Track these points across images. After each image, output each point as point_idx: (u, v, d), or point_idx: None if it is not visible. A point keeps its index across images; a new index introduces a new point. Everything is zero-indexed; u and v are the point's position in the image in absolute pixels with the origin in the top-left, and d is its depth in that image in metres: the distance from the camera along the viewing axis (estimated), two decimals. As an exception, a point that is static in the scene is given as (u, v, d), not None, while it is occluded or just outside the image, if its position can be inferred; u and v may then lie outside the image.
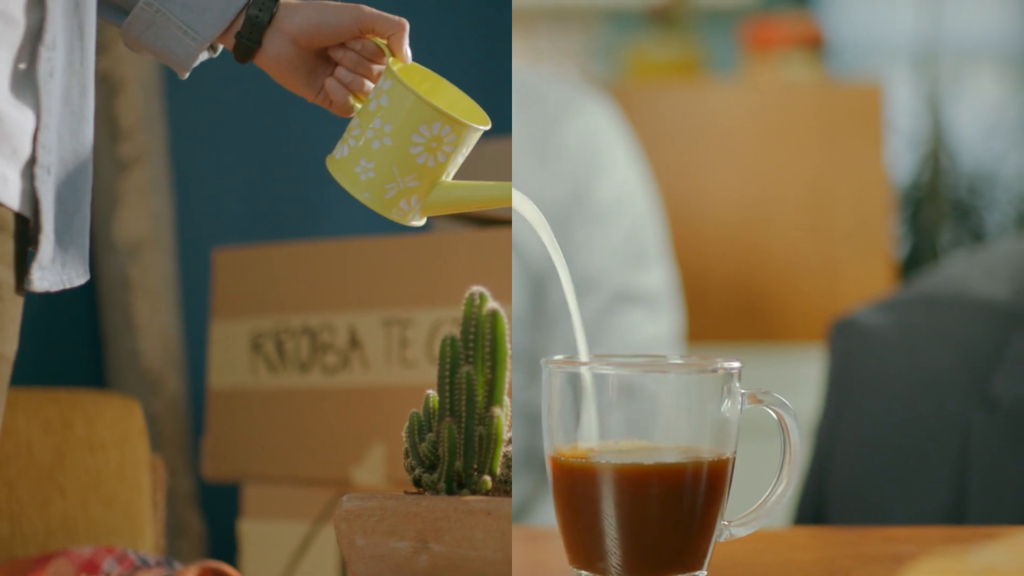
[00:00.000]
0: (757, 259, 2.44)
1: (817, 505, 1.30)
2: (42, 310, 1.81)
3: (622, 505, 0.83)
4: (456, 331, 0.90)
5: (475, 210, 0.98)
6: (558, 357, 0.86)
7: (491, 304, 0.90)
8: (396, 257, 1.65)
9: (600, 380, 0.84)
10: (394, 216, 0.97)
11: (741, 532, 0.87)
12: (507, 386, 0.90)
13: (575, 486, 0.84)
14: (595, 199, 1.77)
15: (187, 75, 1.00)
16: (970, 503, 1.21)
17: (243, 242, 1.92)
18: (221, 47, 1.01)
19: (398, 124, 0.94)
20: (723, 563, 0.88)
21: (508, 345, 0.89)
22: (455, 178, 0.97)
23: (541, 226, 0.89)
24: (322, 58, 0.98)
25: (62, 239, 0.95)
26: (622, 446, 0.84)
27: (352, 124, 0.97)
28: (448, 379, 0.89)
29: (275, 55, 0.97)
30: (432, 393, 0.90)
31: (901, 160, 3.08)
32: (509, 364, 0.90)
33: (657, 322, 1.79)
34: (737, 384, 0.85)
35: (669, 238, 1.99)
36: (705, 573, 0.85)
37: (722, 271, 2.44)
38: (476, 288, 0.90)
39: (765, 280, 2.44)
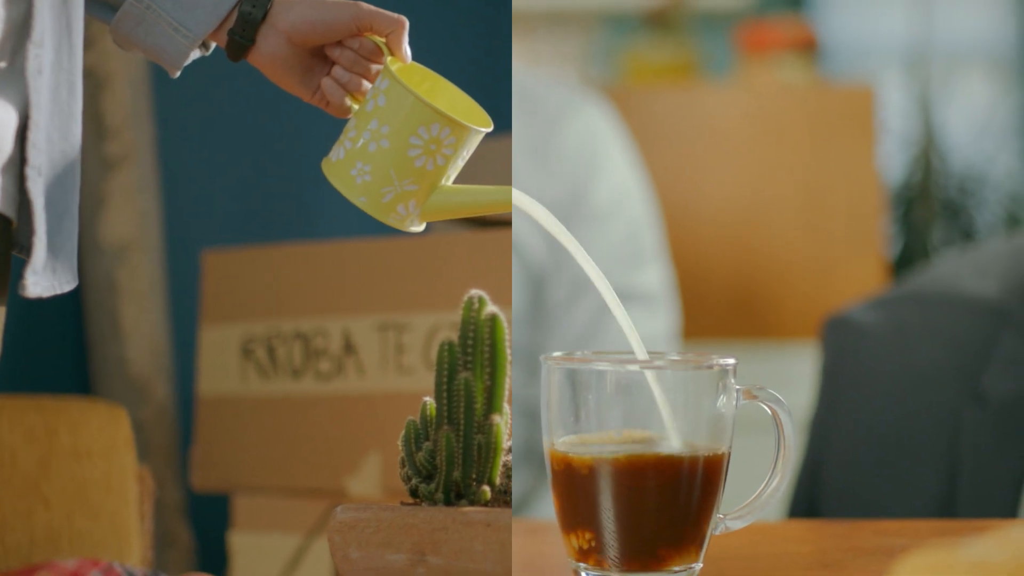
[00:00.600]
0: (752, 258, 2.45)
1: (811, 499, 1.32)
2: (25, 314, 1.80)
3: (619, 498, 0.83)
4: (454, 336, 0.88)
5: (476, 215, 0.95)
6: (557, 354, 0.86)
7: (490, 308, 0.88)
8: (392, 259, 1.63)
9: (598, 376, 0.83)
10: (391, 221, 0.94)
11: (736, 525, 0.88)
12: (507, 393, 0.88)
13: (573, 479, 0.84)
14: (593, 200, 1.78)
15: (178, 74, 0.98)
16: (960, 497, 1.24)
17: (234, 244, 1.90)
18: (214, 45, 0.98)
19: (396, 126, 0.92)
20: (719, 555, 0.89)
21: (508, 350, 0.88)
22: (456, 182, 0.95)
23: (551, 223, 0.88)
24: (318, 56, 0.96)
25: (52, 243, 0.93)
26: (619, 439, 0.84)
27: (349, 125, 0.94)
28: (446, 386, 0.87)
29: (269, 53, 0.95)
30: (429, 400, 0.88)
31: (893, 160, 3.09)
32: (509, 370, 0.88)
33: (654, 320, 1.81)
34: (732, 380, 0.86)
35: (666, 238, 2.00)
36: (701, 565, 0.86)
37: (718, 270, 2.45)
38: (475, 291, 0.88)
39: (760, 278, 2.45)
